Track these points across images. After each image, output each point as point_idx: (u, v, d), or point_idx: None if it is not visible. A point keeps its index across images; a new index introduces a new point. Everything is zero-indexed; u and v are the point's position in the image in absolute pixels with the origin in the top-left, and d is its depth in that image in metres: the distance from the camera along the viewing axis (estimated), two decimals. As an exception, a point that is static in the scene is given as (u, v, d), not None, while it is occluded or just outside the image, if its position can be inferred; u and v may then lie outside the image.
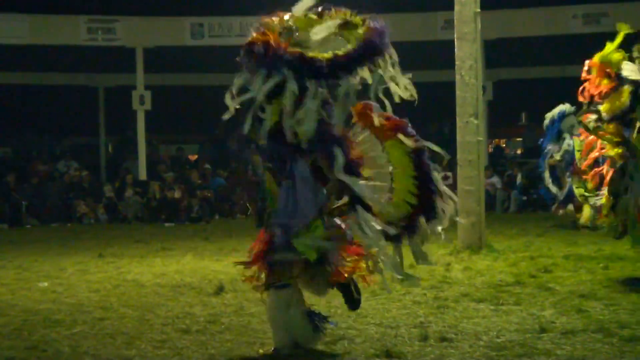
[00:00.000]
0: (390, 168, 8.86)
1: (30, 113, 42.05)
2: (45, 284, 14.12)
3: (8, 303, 12.43)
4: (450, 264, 14.49)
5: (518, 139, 45.01)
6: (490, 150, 39.04)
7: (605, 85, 12.94)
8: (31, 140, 41.64)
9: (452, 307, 10.96)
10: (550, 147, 21.46)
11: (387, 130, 8.91)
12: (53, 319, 10.97)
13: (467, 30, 17.80)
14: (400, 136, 8.82)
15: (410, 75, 9.07)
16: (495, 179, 31.00)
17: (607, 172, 13.29)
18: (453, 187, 16.98)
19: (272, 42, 8.60)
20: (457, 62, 17.67)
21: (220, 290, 12.71)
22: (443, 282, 13.04)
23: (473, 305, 10.99)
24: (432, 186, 8.70)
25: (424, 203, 8.67)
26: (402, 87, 8.92)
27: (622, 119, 12.75)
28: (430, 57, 32.74)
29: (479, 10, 17.85)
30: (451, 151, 16.77)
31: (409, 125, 9.06)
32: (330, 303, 11.53)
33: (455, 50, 17.87)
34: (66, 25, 32.26)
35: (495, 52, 32.75)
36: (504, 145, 46.67)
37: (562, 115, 21.03)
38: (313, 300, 9.58)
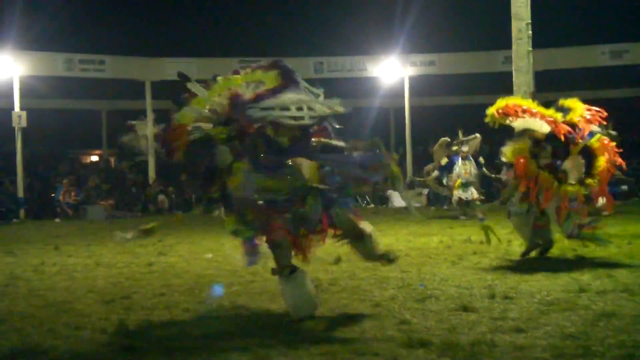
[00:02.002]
0: None
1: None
2: (210, 255, 14.23)
3: (183, 269, 12.56)
4: (510, 241, 14.26)
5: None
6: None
7: None
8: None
9: (512, 273, 10.82)
10: None
11: None
12: (216, 281, 11.07)
13: (522, 64, 17.71)
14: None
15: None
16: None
17: None
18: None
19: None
20: (514, 88, 17.56)
21: (337, 260, 12.70)
22: (506, 254, 12.89)
23: (529, 272, 10.82)
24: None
25: None
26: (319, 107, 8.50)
27: None
28: (492, 85, 32.48)
29: (530, 49, 17.72)
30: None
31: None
32: (420, 269, 11.51)
33: (513, 79, 17.78)
34: (224, 64, 32.44)
35: (543, 80, 32.40)
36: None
37: None
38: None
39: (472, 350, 6.63)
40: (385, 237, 15.44)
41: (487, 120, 12.22)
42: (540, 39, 21.78)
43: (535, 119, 12.13)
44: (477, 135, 21.24)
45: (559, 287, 9.51)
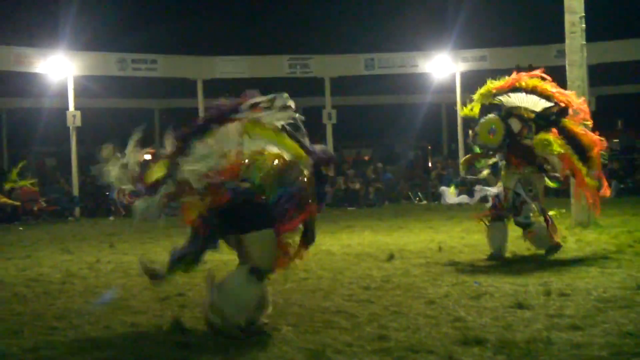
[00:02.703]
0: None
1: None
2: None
3: (236, 265, 12.59)
4: (566, 237, 14.14)
5: (615, 140, 44.06)
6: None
7: None
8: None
9: (568, 270, 10.73)
10: None
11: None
12: (271, 278, 11.08)
13: (576, 57, 17.54)
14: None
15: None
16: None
17: None
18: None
19: None
20: (568, 82, 17.34)
21: (390, 257, 12.69)
22: (561, 250, 12.76)
23: (584, 268, 10.73)
24: None
25: None
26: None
27: None
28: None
29: (584, 42, 17.53)
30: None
31: None
32: (474, 266, 11.45)
33: (567, 73, 17.58)
34: (274, 62, 32.65)
35: (597, 74, 32.02)
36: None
37: None
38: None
39: (528, 347, 6.58)
40: (438, 234, 15.42)
41: (473, 104, 12.29)
42: (594, 32, 21.53)
43: (532, 97, 12.12)
44: None
45: (615, 284, 9.42)
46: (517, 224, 12.45)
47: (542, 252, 12.34)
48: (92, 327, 8.18)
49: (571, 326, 7.24)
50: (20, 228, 24.03)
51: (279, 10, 43.83)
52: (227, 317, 7.40)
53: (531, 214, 12.38)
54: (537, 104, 12.47)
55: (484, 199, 25.95)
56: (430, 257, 12.70)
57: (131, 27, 37.87)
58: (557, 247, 12.26)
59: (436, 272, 11.03)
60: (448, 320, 7.79)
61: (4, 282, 11.78)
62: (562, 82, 17.48)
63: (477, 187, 28.01)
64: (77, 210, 29.28)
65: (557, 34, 18.87)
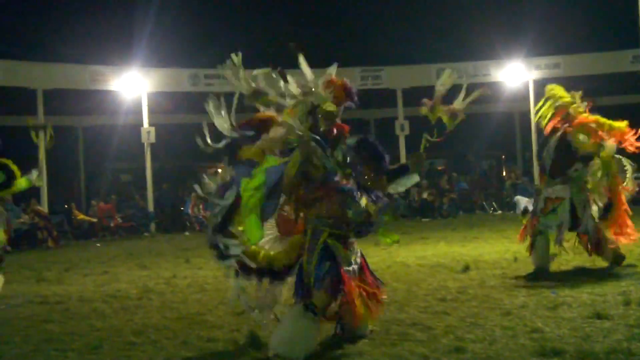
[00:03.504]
0: None
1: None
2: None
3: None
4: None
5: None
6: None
7: None
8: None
9: (648, 278, 10.57)
10: None
11: None
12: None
13: (652, 63, 17.25)
14: None
15: None
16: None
17: None
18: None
19: None
20: (644, 87, 17.14)
21: (466, 268, 12.64)
22: (638, 259, 12.56)
23: (664, 277, 10.58)
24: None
25: None
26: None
27: None
28: (620, 86, 31.72)
29: (660, 47, 17.27)
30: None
31: None
32: (550, 276, 11.32)
33: (643, 78, 17.36)
34: (346, 74, 32.54)
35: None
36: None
37: None
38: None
39: (608, 358, 6.50)
40: (513, 244, 15.27)
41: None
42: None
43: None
44: None
45: (697, 293, 9.25)
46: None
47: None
48: (169, 342, 8.29)
49: (652, 337, 7.14)
50: (97, 244, 24.45)
51: (350, 21, 43.95)
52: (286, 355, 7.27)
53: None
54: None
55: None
56: (507, 268, 12.61)
57: (203, 42, 38.32)
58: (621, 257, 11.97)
59: (512, 283, 10.95)
60: (525, 331, 7.73)
61: (83, 298, 11.99)
62: (637, 88, 17.26)
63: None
64: (152, 226, 29.69)
65: (632, 39, 18.61)
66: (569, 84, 12.70)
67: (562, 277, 11.18)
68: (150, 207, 30.49)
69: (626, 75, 30.87)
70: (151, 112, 30.83)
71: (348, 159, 7.85)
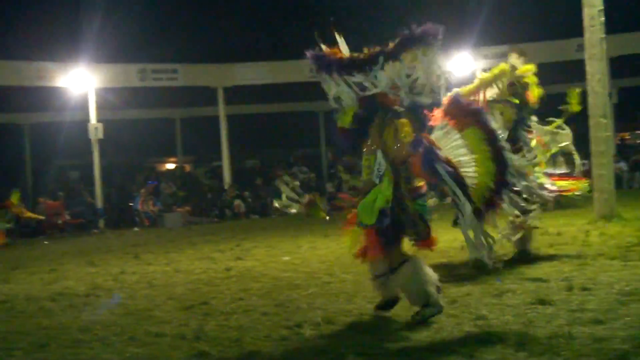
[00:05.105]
0: (470, 155, 7.90)
1: (271, 133, 43.04)
2: (287, 258, 14.39)
3: (261, 272, 12.69)
4: (588, 231, 14.15)
5: (638, 132, 43.94)
6: (617, 142, 37.88)
7: None
8: (272, 152, 42.55)
9: (590, 264, 10.69)
10: None
11: (464, 119, 8.02)
12: (293, 283, 11.17)
13: (595, 51, 17.44)
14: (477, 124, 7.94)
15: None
16: (622, 164, 30.88)
17: None
18: (588, 173, 16.69)
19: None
20: (587, 77, 17.36)
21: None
22: (583, 244, 12.76)
23: (607, 262, 10.71)
24: (507, 166, 7.79)
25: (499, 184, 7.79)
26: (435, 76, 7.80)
27: None
28: (566, 73, 32.08)
29: (603, 35, 17.44)
30: (586, 144, 16.51)
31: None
32: (480, 272, 11.44)
33: (586, 67, 17.54)
34: (299, 68, 32.31)
35: (619, 66, 32.00)
36: (628, 137, 45.34)
37: None
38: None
39: (550, 343, 6.60)
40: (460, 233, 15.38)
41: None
42: (614, 24, 21.50)
43: None
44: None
45: (638, 277, 9.39)
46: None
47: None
48: (117, 338, 8.25)
49: (593, 320, 7.25)
50: (45, 242, 24.25)
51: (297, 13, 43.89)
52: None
53: None
54: None
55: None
56: (453, 257, 12.71)
57: (151, 37, 38.13)
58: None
59: (458, 272, 11.05)
60: (470, 319, 7.81)
61: (30, 296, 11.88)
62: (583, 76, 17.49)
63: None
64: (101, 223, 29.50)
65: (577, 28, 18.79)
66: (514, 72, 12.86)
67: (508, 266, 11.28)
68: (99, 203, 30.30)
69: (572, 63, 31.21)
70: (99, 108, 30.60)
71: None
